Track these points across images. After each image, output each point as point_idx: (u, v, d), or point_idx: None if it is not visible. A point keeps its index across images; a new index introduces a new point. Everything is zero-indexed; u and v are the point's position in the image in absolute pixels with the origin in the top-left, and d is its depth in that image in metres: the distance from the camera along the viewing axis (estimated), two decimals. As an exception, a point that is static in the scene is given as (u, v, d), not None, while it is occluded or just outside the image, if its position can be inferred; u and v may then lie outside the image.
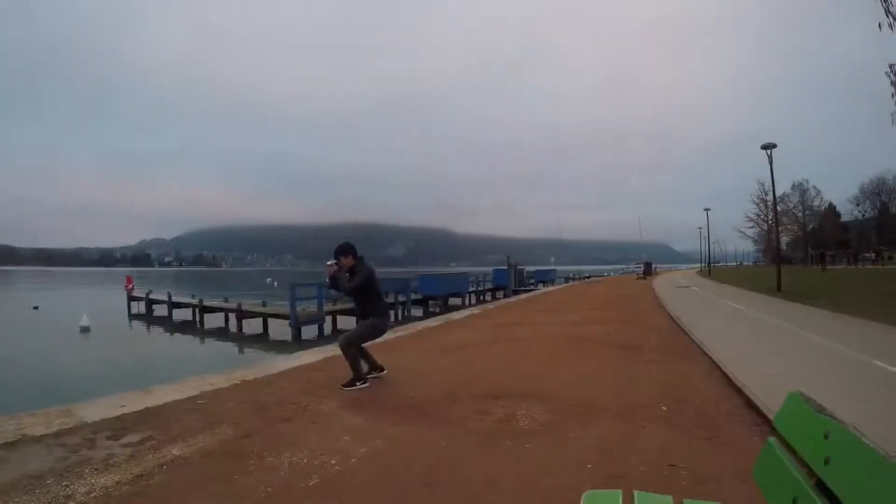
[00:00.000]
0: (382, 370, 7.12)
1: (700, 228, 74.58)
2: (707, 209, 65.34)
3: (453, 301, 35.03)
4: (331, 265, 6.84)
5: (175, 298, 31.32)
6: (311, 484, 3.71)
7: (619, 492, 2.04)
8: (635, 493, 2.02)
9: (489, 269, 50.71)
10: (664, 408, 5.59)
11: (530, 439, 4.58)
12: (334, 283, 6.91)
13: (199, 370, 8.79)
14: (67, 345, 20.79)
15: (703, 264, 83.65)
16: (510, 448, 4.39)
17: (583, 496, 2.01)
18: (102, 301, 38.06)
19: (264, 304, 26.69)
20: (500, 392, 6.22)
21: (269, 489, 3.64)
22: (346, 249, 6.79)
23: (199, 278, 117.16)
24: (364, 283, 6.68)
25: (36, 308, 26.75)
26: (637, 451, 4.27)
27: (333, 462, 4.09)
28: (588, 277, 71.87)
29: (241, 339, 22.55)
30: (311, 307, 23.28)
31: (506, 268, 43.64)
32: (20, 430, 4.89)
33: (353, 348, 6.65)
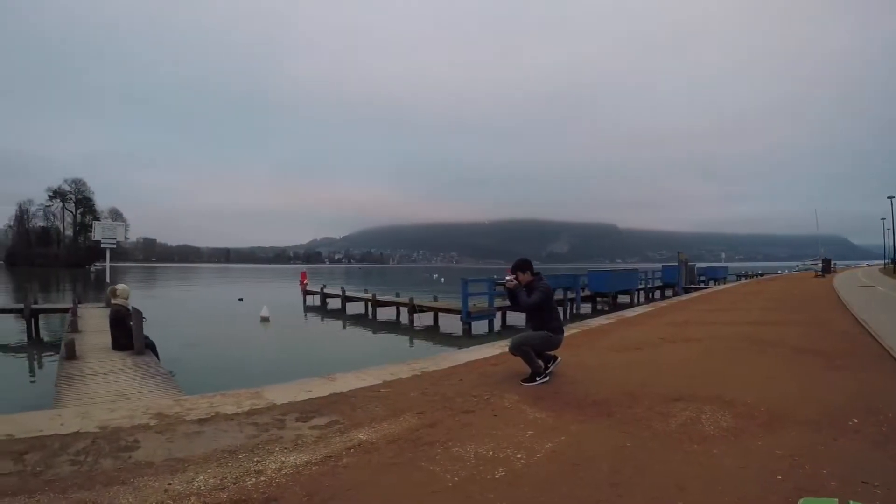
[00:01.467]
0: (556, 358, 7.16)
1: (883, 219, 67.42)
2: (892, 197, 58.63)
3: (622, 299, 34.13)
4: (510, 280, 6.95)
5: (348, 293, 33.18)
6: (497, 476, 3.74)
7: (835, 500, 1.83)
8: (851, 502, 1.80)
9: (655, 265, 48.54)
10: (855, 420, 5.08)
11: (716, 444, 4.44)
12: (513, 297, 7.02)
13: (374, 361, 9.30)
14: (250, 333, 22.80)
15: (887, 261, 74.53)
16: (696, 452, 4.26)
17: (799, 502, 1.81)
18: (279, 294, 41.36)
19: (435, 299, 27.46)
20: (681, 394, 6.08)
21: (455, 478, 3.71)
22: (524, 265, 6.94)
23: (367, 274, 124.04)
24: (542, 301, 6.76)
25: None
26: (828, 464, 3.98)
27: (519, 456, 4.13)
28: (761, 275, 67.85)
29: (412, 332, 23.33)
30: (482, 302, 23.59)
31: (675, 264, 41.82)
32: (213, 408, 5.37)
33: (521, 352, 6.73)
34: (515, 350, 6.73)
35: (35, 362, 16.07)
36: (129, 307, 11.30)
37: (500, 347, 9.20)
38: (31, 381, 13.60)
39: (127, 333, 10.70)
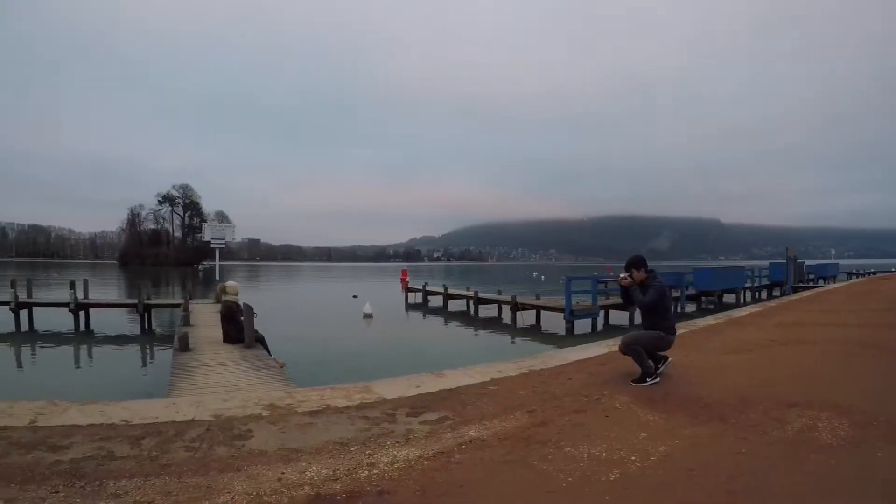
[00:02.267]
0: (667, 359, 7.00)
1: None
2: None
3: (727, 298, 32.71)
4: (624, 277, 6.89)
5: (450, 290, 33.40)
6: (611, 478, 3.72)
7: None
8: None
9: (760, 262, 46.46)
10: None
11: (835, 454, 4.26)
12: (626, 295, 7.00)
13: (476, 358, 9.38)
14: (353, 330, 23.42)
15: None
16: (815, 462, 4.10)
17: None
18: (380, 292, 42.25)
19: (538, 297, 27.20)
20: (796, 399, 5.86)
21: (569, 479, 3.69)
22: (638, 263, 6.88)
23: (466, 272, 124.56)
24: (657, 300, 6.66)
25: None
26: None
27: (633, 458, 4.10)
28: (873, 273, 63.18)
29: (514, 331, 23.24)
30: (585, 301, 23.22)
31: (783, 261, 39.55)
32: (324, 401, 5.53)
33: (633, 352, 6.65)
34: (626, 349, 6.67)
35: (147, 354, 17.13)
36: (240, 303, 11.83)
37: (608, 346, 9.19)
38: (144, 372, 14.50)
39: (238, 328, 11.22)
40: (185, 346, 10.34)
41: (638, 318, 7.66)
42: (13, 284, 22.88)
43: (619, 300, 23.29)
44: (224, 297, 12.20)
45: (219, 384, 7.64)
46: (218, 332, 12.00)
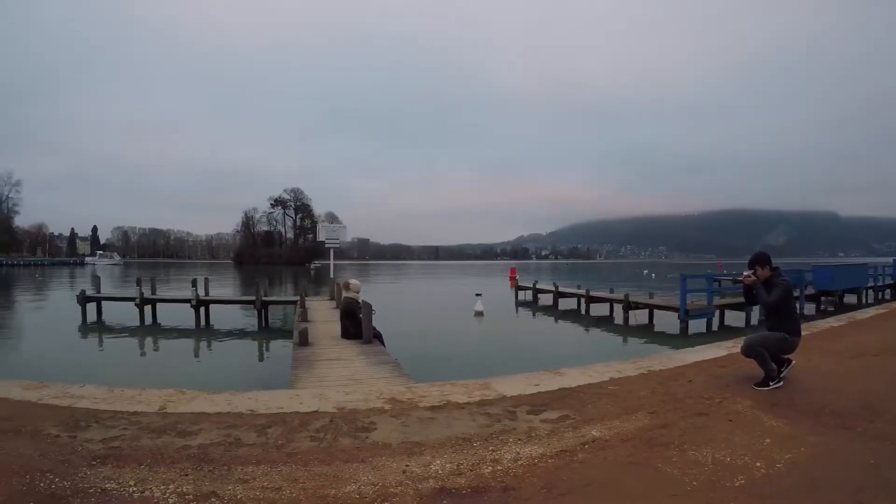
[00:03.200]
0: (790, 361, 6.70)
1: None
2: None
3: (848, 298, 30.59)
4: (748, 275, 6.68)
5: (561, 288, 33.07)
6: (736, 484, 3.66)
7: None
8: None
9: (884, 259, 43.03)
10: None
11: None
12: (749, 294, 6.78)
13: (589, 358, 9.27)
14: (465, 326, 23.77)
15: None
16: None
17: None
18: (489, 290, 42.39)
19: (651, 296, 26.52)
20: None
21: (694, 483, 3.65)
22: (762, 259, 6.67)
23: (574, 270, 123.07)
24: (782, 299, 6.43)
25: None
26: None
27: (758, 465, 4.02)
28: None
29: (626, 330, 22.83)
30: (700, 300, 22.47)
31: None
32: (444, 397, 5.64)
33: (755, 354, 6.42)
34: (749, 352, 6.46)
35: (264, 348, 17.92)
36: (360, 300, 12.20)
37: (727, 348, 8.95)
38: (261, 365, 15.27)
39: (356, 324, 11.58)
40: (304, 341, 10.75)
41: (755, 319, 7.36)
42: (139, 283, 24.61)
43: (735, 299, 22.60)
44: (345, 294, 12.61)
45: (339, 378, 7.90)
46: (334, 328, 12.46)
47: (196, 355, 17.16)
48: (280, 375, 10.22)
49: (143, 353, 17.58)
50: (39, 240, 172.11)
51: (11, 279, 67.06)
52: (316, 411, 5.18)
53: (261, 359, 16.28)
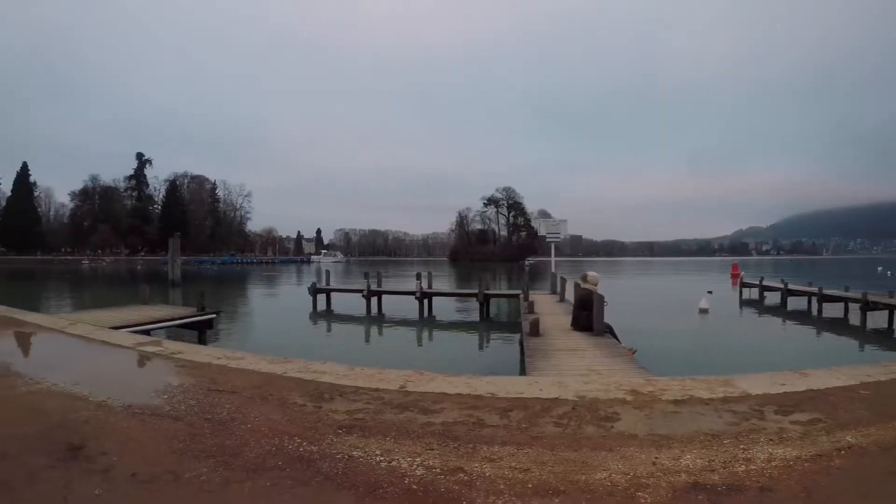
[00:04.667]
0: None
1: None
2: None
3: None
4: None
5: (790, 286, 30.73)
6: None
7: None
8: None
9: None
10: None
11: None
12: None
13: (816, 363, 8.55)
14: (691, 323, 23.48)
15: None
16: None
17: None
18: (708, 287, 40.52)
19: (891, 295, 23.67)
20: None
21: None
22: None
23: (797, 266, 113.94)
24: None
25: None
26: None
27: None
28: None
29: (863, 333, 20.82)
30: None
31: None
32: (686, 391, 5.56)
33: None
34: None
35: (484, 337, 18.64)
36: (595, 292, 12.31)
37: None
38: (481, 353, 15.99)
39: (589, 315, 11.65)
40: (535, 332, 11.04)
41: None
42: (366, 276, 26.84)
43: None
44: (583, 285, 12.82)
45: (576, 367, 8.06)
46: (561, 320, 12.74)
47: (419, 342, 18.33)
48: (504, 364, 10.60)
49: (367, 340, 19.25)
50: (269, 241, 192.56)
51: (247, 275, 77.49)
52: (556, 398, 5.29)
53: (480, 347, 16.98)
